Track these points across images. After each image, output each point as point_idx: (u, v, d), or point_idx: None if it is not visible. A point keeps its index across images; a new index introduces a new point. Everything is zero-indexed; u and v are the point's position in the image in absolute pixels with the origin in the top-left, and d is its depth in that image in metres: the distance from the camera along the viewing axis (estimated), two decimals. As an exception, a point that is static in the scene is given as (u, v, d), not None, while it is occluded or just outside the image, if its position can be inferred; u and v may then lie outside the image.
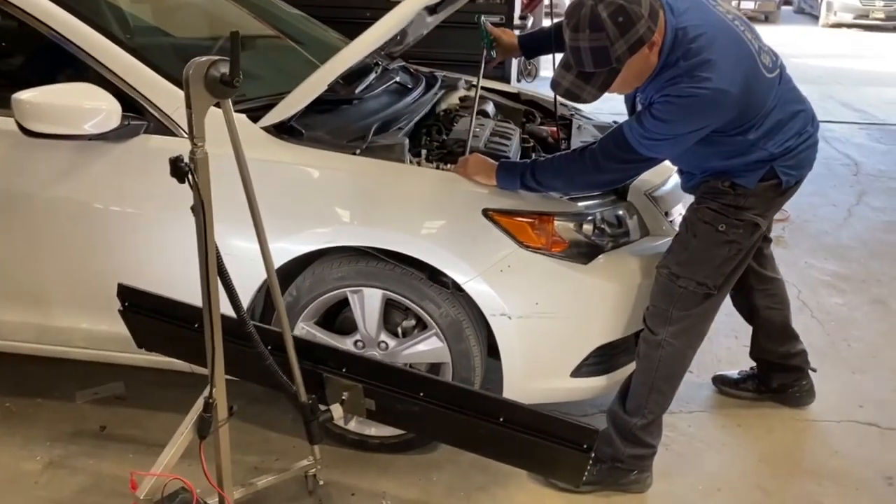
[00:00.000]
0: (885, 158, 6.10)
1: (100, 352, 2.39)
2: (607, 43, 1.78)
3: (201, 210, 1.52)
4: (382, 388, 1.88)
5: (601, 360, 2.27)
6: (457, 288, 2.15)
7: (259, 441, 2.44)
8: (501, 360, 2.21)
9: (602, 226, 2.23)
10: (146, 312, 2.01)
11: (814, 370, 2.66)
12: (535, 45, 2.50)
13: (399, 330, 2.28)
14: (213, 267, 1.59)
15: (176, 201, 2.17)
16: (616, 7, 1.76)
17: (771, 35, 8.25)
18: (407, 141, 2.29)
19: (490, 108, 2.99)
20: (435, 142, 2.53)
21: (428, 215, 2.15)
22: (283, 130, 2.21)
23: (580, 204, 2.21)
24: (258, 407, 2.53)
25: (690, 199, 2.25)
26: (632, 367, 2.33)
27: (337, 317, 2.35)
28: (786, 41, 13.39)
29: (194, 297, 2.19)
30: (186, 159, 1.50)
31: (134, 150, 2.18)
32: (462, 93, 3.19)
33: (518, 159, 2.40)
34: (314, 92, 2.16)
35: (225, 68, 1.48)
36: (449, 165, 2.28)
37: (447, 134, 2.61)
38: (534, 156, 2.53)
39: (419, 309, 2.19)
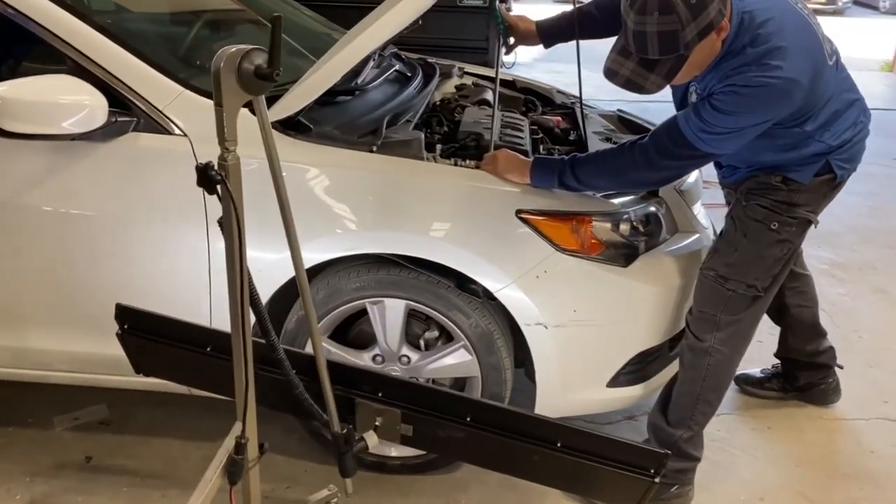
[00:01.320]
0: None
1: (85, 375, 2.14)
2: (678, 27, 1.62)
3: (236, 224, 1.30)
4: (425, 412, 1.69)
5: (638, 367, 2.13)
6: (488, 296, 1.98)
7: (265, 465, 2.21)
8: (535, 373, 2.04)
9: (637, 225, 2.08)
10: (149, 336, 1.78)
11: (840, 367, 2.57)
12: (555, 32, 2.30)
13: (421, 342, 2.10)
14: (244, 290, 1.37)
15: (170, 207, 1.97)
16: None
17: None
18: (423, 136, 2.10)
19: (489, 96, 2.80)
20: (437, 134, 2.34)
21: (456, 218, 1.96)
22: (288, 126, 1.99)
23: (616, 201, 2.05)
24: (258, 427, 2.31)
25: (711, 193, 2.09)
26: (666, 373, 2.20)
27: (349, 329, 2.15)
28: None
29: (189, 313, 2.00)
30: (216, 165, 1.27)
31: (122, 151, 1.94)
32: (456, 80, 3.01)
33: (532, 152, 2.22)
34: (326, 83, 1.95)
35: (260, 59, 1.27)
36: (467, 161, 2.09)
37: (449, 126, 2.43)
38: (541, 147, 2.36)
39: (446, 320, 2.01)
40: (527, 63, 9.05)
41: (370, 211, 1.96)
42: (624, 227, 2.03)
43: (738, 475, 2.27)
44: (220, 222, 1.35)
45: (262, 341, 1.56)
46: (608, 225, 2.00)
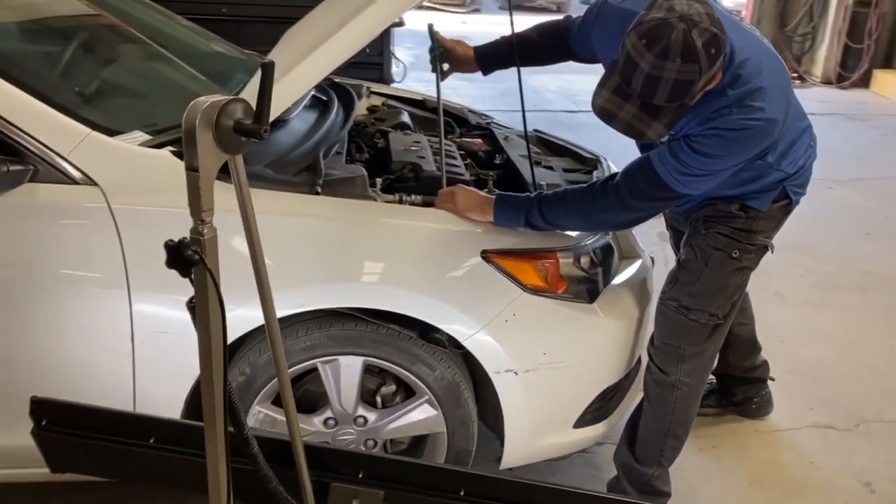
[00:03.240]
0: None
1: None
2: (696, 76, 1.49)
3: (219, 308, 1.07)
4: (413, 490, 1.51)
5: (601, 405, 2.05)
6: (454, 345, 1.82)
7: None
8: (503, 423, 1.90)
9: (595, 257, 1.99)
10: (73, 431, 1.48)
11: (772, 379, 2.63)
12: (493, 58, 2.17)
13: (378, 399, 1.91)
14: (226, 387, 1.14)
15: (80, 268, 1.68)
16: (710, 36, 1.48)
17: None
18: (365, 171, 1.91)
19: (406, 118, 2.64)
20: (358, 162, 2.15)
21: (419, 263, 1.79)
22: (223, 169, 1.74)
23: (573, 234, 1.95)
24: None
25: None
26: (623, 406, 2.14)
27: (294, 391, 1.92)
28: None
29: (108, 390, 1.72)
30: (191, 240, 1.04)
31: (16, 206, 1.62)
32: (366, 102, 2.82)
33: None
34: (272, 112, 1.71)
35: (239, 112, 1.05)
36: (412, 196, 1.92)
37: (371, 153, 2.26)
38: (468, 174, 2.23)
39: (409, 374, 1.83)
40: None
41: (322, 262, 1.75)
42: (584, 261, 1.94)
43: (697, 503, 2.24)
44: (191, 306, 1.11)
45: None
46: (570, 260, 1.90)
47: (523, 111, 2.15)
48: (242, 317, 1.69)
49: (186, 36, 2.63)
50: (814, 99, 7.70)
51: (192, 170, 1.02)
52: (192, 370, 1.69)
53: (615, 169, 2.44)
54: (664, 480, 2.05)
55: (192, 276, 1.06)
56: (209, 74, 2.35)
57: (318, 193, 1.78)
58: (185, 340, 1.62)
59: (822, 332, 3.25)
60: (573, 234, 1.93)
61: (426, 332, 1.81)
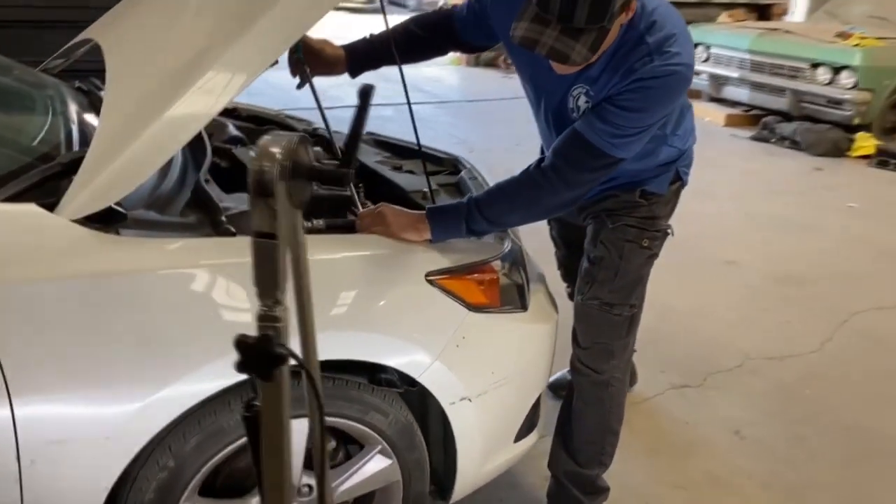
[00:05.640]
0: (476, 131, 6.67)
1: None
2: None
3: (319, 420, 0.80)
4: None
5: (534, 412, 1.97)
6: (408, 382, 1.63)
7: None
8: (457, 453, 1.75)
9: (518, 261, 1.90)
10: None
11: (635, 350, 2.75)
12: (368, 56, 1.95)
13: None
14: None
15: None
16: None
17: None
18: None
19: (234, 130, 2.32)
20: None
21: (362, 298, 1.56)
22: (96, 218, 1.36)
23: (503, 242, 1.83)
24: None
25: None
26: (543, 410, 2.10)
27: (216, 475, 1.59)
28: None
29: None
30: (268, 331, 0.76)
31: None
32: None
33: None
34: (162, 153, 1.37)
35: (307, 153, 0.79)
36: (313, 221, 1.68)
37: (224, 176, 1.95)
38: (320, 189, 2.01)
39: (360, 426, 1.61)
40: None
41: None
42: (513, 267, 1.84)
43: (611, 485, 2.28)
44: (250, 415, 0.82)
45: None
46: (503, 269, 1.80)
47: (413, 120, 1.97)
48: (168, 401, 1.35)
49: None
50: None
51: (264, 236, 0.74)
52: (102, 488, 1.33)
53: (476, 165, 2.37)
54: (603, 479, 2.05)
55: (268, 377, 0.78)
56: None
57: (233, 234, 1.48)
58: (91, 448, 1.28)
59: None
60: (501, 242, 1.82)
61: (373, 374, 1.60)
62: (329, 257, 1.54)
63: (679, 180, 2.00)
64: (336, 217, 1.72)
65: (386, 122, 5.44)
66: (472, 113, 7.60)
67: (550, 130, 1.85)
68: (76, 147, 1.62)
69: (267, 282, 0.77)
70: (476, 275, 1.70)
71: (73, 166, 1.48)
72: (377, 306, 1.57)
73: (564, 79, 1.66)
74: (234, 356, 1.39)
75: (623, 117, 1.60)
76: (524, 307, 1.82)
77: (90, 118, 1.88)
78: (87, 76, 2.40)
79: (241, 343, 0.74)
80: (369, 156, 2.27)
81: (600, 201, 1.97)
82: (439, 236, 1.64)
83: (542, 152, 2.16)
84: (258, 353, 0.74)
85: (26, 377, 1.25)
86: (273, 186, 0.72)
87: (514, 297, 1.80)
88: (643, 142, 1.69)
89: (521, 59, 1.80)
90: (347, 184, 0.77)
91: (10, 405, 1.24)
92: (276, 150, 0.72)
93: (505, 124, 6.43)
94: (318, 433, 0.84)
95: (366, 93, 0.80)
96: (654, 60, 1.58)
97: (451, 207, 1.68)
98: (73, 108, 1.86)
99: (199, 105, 1.38)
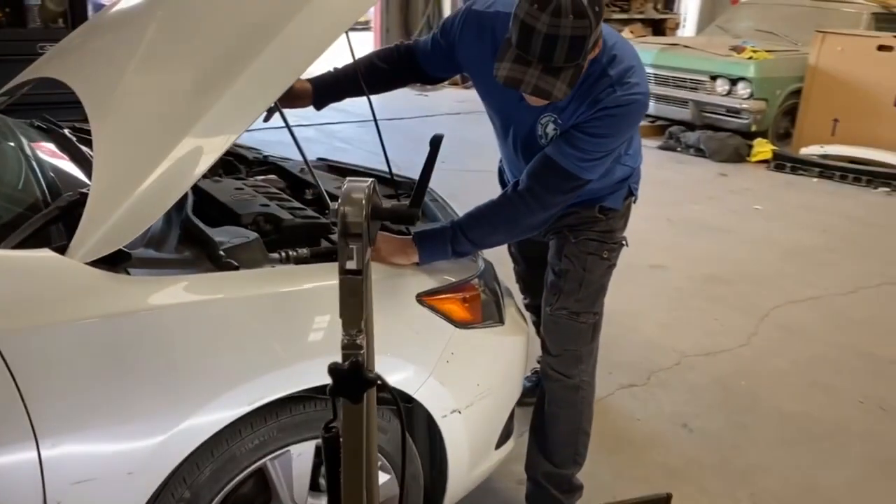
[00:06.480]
0: (400, 151, 6.75)
1: None
2: (588, 32, 1.55)
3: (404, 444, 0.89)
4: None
5: (511, 419, 2.10)
6: (404, 399, 1.71)
7: None
8: (448, 463, 1.85)
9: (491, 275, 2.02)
10: None
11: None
12: (334, 88, 2.03)
13: (321, 481, 1.71)
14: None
15: None
16: None
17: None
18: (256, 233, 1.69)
19: None
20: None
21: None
22: (103, 259, 1.39)
23: (477, 260, 1.95)
24: None
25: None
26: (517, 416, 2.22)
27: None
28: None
29: None
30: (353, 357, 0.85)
31: None
32: None
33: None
34: (172, 193, 1.42)
35: (379, 196, 0.88)
36: (298, 251, 1.74)
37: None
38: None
39: (362, 444, 1.67)
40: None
41: (267, 345, 1.51)
42: (489, 284, 1.96)
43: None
44: (329, 436, 0.90)
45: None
46: (482, 286, 1.91)
47: (384, 148, 2.06)
48: (187, 432, 1.39)
49: None
50: (452, 99, 8.51)
51: (352, 273, 0.83)
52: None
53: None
54: (577, 476, 2.18)
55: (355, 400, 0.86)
56: None
57: (236, 267, 1.53)
58: (116, 483, 1.32)
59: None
60: (475, 260, 1.93)
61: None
62: (328, 284, 1.60)
63: (631, 195, 2.16)
64: (312, 245, 1.79)
65: (311, 143, 5.47)
66: (393, 132, 7.70)
67: (518, 156, 1.97)
68: (62, 190, 1.63)
69: (352, 314, 0.85)
70: (460, 293, 1.81)
71: (69, 210, 1.51)
72: (376, 328, 1.65)
73: (534, 109, 1.79)
74: (249, 385, 1.46)
75: (590, 143, 1.75)
76: (502, 321, 1.94)
77: (63, 158, 1.89)
78: (37, 111, 2.39)
79: (335, 370, 0.82)
80: (323, 182, 2.34)
81: (562, 218, 2.10)
82: (427, 259, 1.74)
83: (501, 174, 2.30)
84: (350, 379, 0.81)
85: (52, 420, 1.27)
86: (358, 229, 0.80)
87: (493, 312, 1.92)
88: (607, 164, 1.84)
89: (491, 92, 1.92)
90: (412, 223, 0.85)
91: (38, 449, 1.26)
92: (359, 196, 0.80)
93: (426, 143, 6.56)
94: (402, 451, 0.92)
95: (436, 142, 0.88)
96: (617, 91, 1.73)
97: (435, 232, 1.77)
98: (41, 151, 1.86)
99: (209, 140, 1.43)
